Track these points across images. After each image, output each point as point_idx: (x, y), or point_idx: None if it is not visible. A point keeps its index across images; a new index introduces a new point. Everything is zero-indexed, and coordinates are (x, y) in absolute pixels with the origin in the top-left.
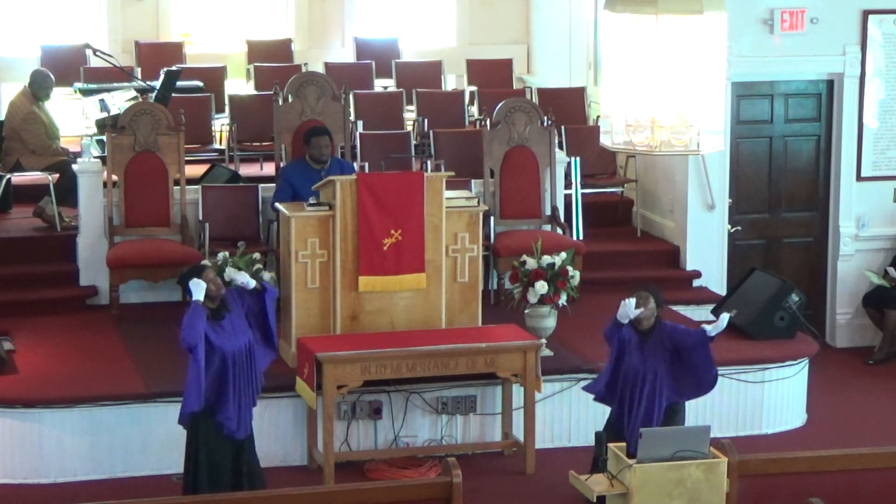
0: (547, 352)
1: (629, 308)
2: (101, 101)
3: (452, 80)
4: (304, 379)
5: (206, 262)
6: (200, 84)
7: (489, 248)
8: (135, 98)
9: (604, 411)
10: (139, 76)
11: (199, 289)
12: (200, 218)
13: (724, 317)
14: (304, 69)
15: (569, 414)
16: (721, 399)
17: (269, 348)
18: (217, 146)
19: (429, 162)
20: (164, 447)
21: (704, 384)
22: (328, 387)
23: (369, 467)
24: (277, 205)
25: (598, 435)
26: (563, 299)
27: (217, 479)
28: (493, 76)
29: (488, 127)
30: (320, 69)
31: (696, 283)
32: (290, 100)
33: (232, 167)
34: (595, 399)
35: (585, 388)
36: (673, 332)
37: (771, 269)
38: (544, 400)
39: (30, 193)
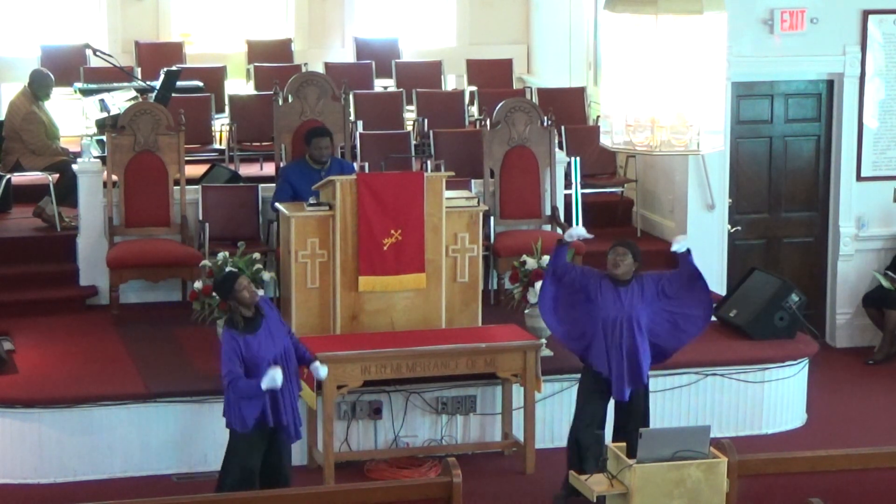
0: (547, 352)
1: (580, 231)
2: (101, 101)
3: (452, 80)
4: (304, 379)
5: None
6: (200, 84)
7: (489, 248)
8: (135, 98)
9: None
10: (139, 76)
11: (273, 381)
12: (200, 218)
13: (677, 242)
14: (304, 69)
15: (569, 414)
16: (721, 399)
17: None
18: (217, 146)
19: (429, 162)
20: (164, 447)
21: (700, 317)
22: (328, 387)
23: (369, 467)
24: (277, 205)
25: (597, 435)
26: None
27: (250, 483)
28: (493, 76)
29: (488, 127)
30: (320, 69)
31: None
32: (290, 100)
33: (232, 167)
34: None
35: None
36: (656, 277)
37: (771, 269)
38: (544, 400)
39: (30, 193)
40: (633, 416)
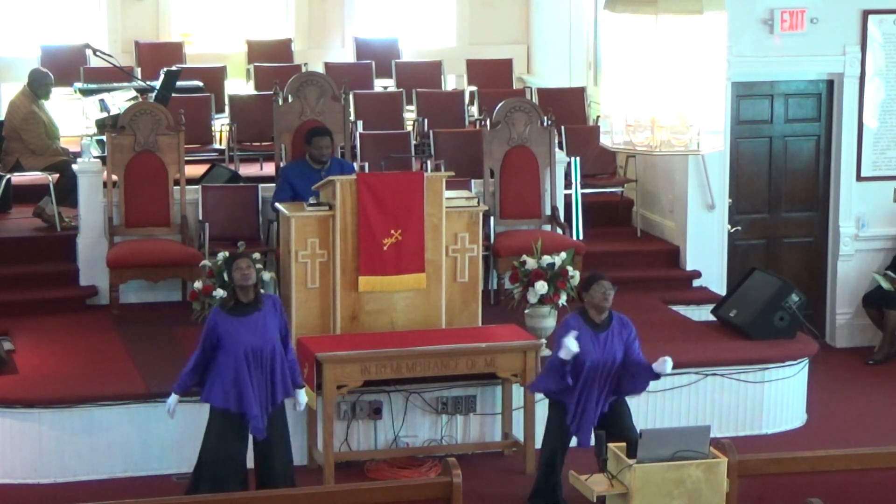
0: (547, 352)
1: (571, 346)
2: (101, 101)
3: (452, 80)
4: (305, 379)
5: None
6: (200, 84)
7: (489, 248)
8: (135, 98)
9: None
10: (139, 76)
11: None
12: (200, 218)
13: (667, 362)
14: (304, 69)
15: None
16: (721, 399)
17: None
18: (217, 146)
19: (429, 162)
20: (164, 447)
21: (632, 389)
22: (328, 387)
23: (369, 467)
24: (277, 205)
25: (598, 435)
26: (563, 299)
27: (222, 476)
28: (493, 76)
29: (488, 127)
30: (320, 69)
31: (696, 283)
32: (290, 100)
33: (232, 167)
34: (548, 394)
35: (532, 388)
36: (630, 336)
37: (771, 269)
38: (544, 400)
39: (30, 193)
40: (618, 420)
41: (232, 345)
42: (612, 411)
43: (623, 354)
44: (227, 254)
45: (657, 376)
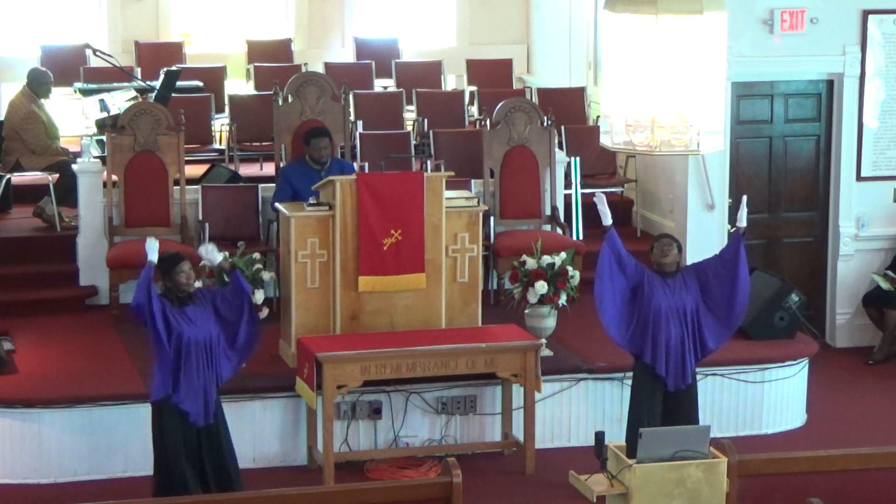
0: (547, 352)
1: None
2: (101, 101)
3: (452, 80)
4: (304, 379)
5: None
6: (200, 84)
7: (489, 248)
8: (135, 98)
9: (604, 410)
10: (139, 76)
11: (153, 249)
12: (200, 218)
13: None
14: (304, 69)
15: (569, 414)
16: (721, 399)
17: (232, 354)
18: (217, 146)
19: (429, 162)
20: None
21: (734, 312)
22: (328, 387)
23: (369, 467)
24: (277, 205)
25: (598, 434)
26: (563, 299)
27: (179, 469)
28: (493, 76)
29: (488, 127)
30: (320, 69)
31: None
32: (290, 100)
33: (232, 167)
34: (624, 347)
35: (614, 339)
36: (697, 266)
37: (771, 269)
38: (544, 400)
39: (30, 193)
40: (683, 408)
41: (169, 335)
42: (679, 397)
43: (700, 296)
44: (226, 254)
45: (742, 236)
